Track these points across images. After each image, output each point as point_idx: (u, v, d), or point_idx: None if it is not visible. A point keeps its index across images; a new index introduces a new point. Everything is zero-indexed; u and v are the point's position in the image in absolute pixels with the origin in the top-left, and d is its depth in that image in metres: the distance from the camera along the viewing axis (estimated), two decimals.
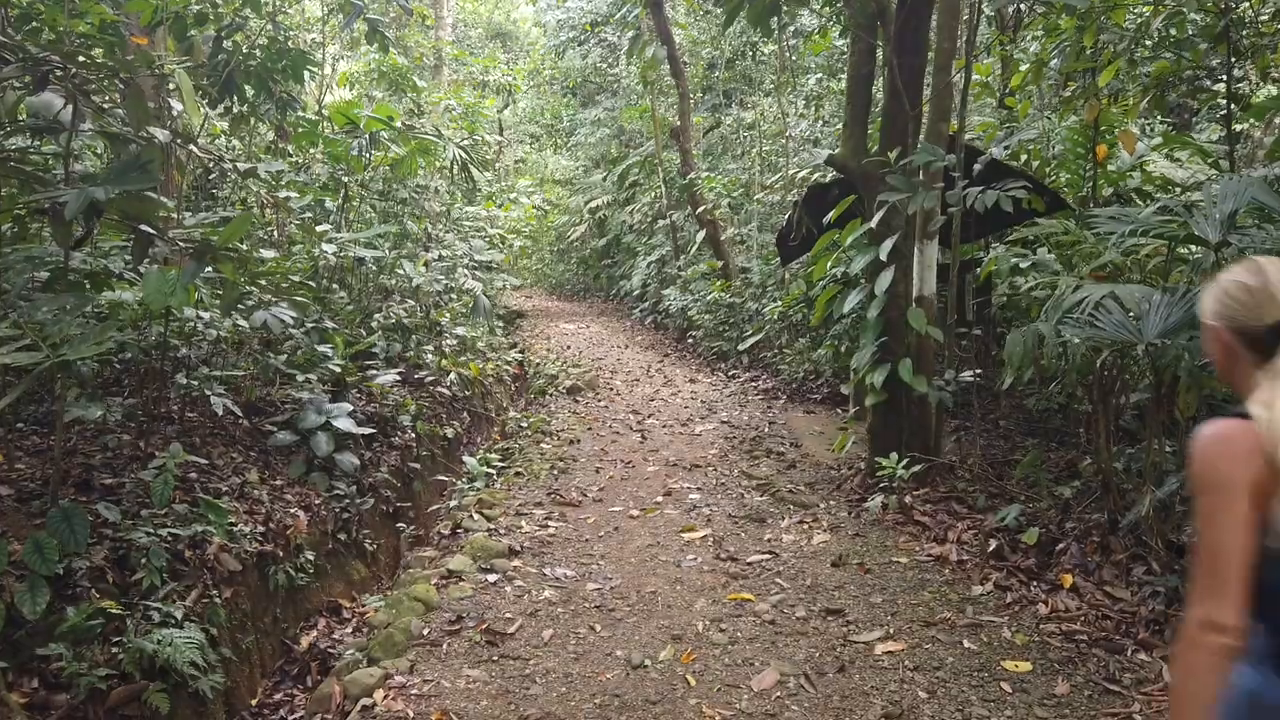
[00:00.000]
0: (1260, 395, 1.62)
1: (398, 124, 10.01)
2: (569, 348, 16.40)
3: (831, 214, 6.60)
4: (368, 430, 7.25)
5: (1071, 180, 8.00)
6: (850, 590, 4.95)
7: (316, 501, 6.56)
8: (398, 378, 8.57)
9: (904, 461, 6.05)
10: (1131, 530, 4.80)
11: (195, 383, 6.10)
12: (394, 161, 11.68)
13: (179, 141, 4.69)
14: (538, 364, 15.29)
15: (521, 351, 17.29)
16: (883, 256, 5.91)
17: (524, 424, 9.55)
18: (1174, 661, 1.71)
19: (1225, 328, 1.71)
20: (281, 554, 5.71)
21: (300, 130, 10.17)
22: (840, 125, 14.95)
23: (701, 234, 15.84)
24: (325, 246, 8.96)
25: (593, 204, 22.89)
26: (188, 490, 5.49)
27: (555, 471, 7.59)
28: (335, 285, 10.57)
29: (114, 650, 3.95)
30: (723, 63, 17.11)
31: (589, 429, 9.45)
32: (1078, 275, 4.76)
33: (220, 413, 5.98)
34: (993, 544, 5.16)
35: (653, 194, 19.39)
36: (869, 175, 6.45)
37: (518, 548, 5.56)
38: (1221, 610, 1.53)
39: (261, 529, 5.68)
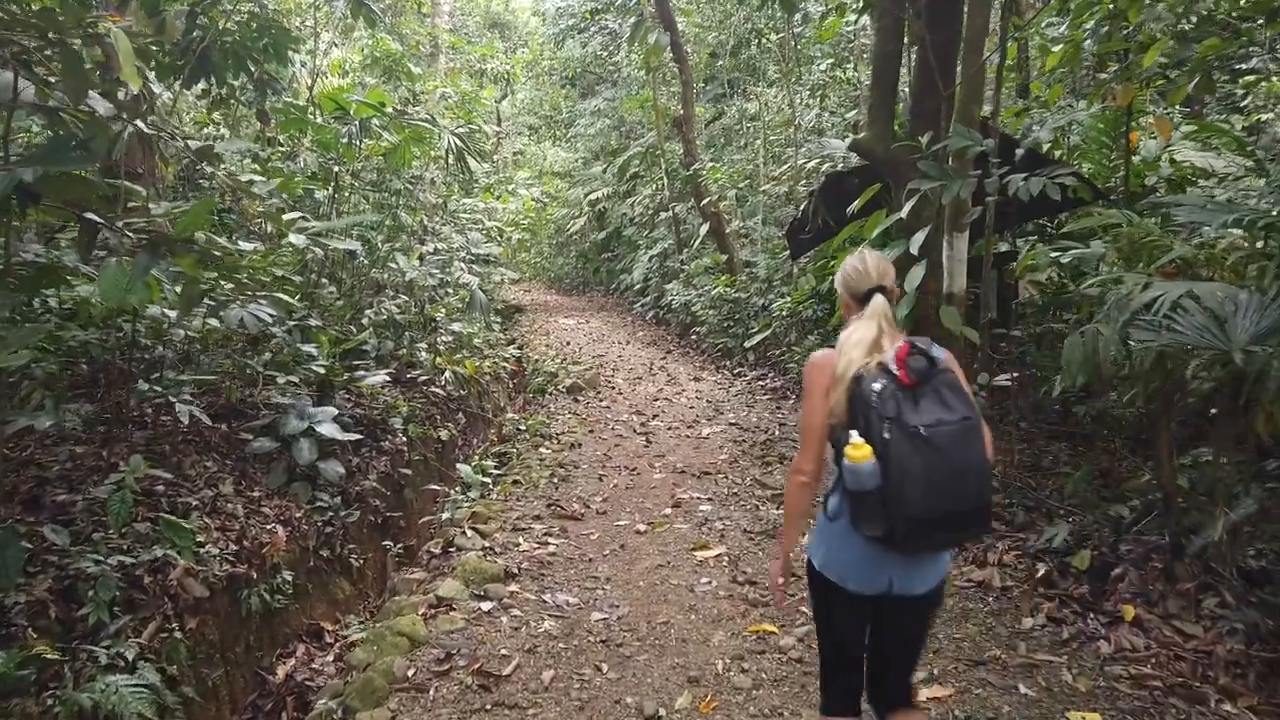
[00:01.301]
0: (844, 331, 2.55)
1: (390, 110, 9.43)
2: (569, 344, 15.86)
3: (855, 204, 6.05)
4: (355, 436, 6.70)
5: (1096, 170, 7.45)
6: None
7: (298, 514, 6.02)
8: (388, 378, 8.01)
9: None
10: (1199, 556, 4.28)
11: (160, 388, 5.55)
12: (387, 151, 11.15)
13: (124, 116, 4.12)
14: (536, 361, 14.75)
15: (520, 348, 16.74)
16: (913, 250, 5.37)
17: (522, 426, 9.00)
18: (786, 492, 2.67)
19: (845, 292, 2.67)
20: (256, 575, 5.17)
21: (289, 117, 9.60)
22: (851, 113, 14.46)
23: (705, 227, 15.28)
24: (294, 237, 8.37)
25: (592, 196, 22.32)
26: (153, 506, 4.95)
27: (555, 479, 7.06)
28: (324, 280, 10.03)
29: (49, 703, 3.41)
30: (727, 50, 16.52)
31: (591, 432, 8.91)
32: (1144, 271, 4.21)
33: (186, 421, 5.43)
34: (1041, 568, 4.63)
35: (654, 186, 18.82)
36: (897, 162, 5.90)
37: (515, 569, 5.02)
38: (804, 461, 2.53)
39: (234, 548, 5.14)
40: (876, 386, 2.30)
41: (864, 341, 2.43)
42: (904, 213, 5.40)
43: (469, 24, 28.85)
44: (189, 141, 6.01)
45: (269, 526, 5.65)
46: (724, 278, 13.88)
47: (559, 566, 5.18)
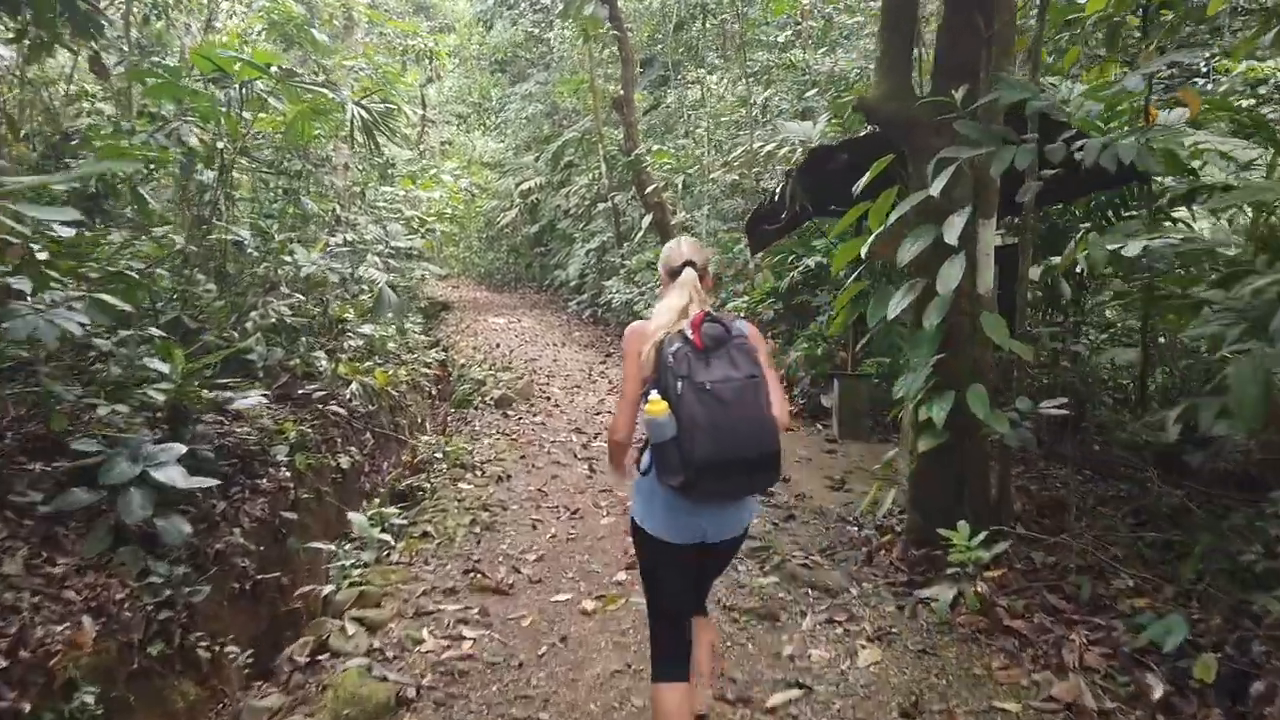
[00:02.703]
0: (659, 302, 2.75)
1: (277, 71, 7.73)
2: (498, 346, 14.25)
3: (864, 179, 4.64)
4: (212, 480, 5.04)
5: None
6: None
7: (120, 595, 4.36)
8: (264, 398, 6.36)
9: (980, 537, 4.12)
10: None
11: None
12: (283, 126, 9.42)
13: None
14: (463, 366, 13.12)
15: (445, 350, 15.06)
16: (950, 239, 3.98)
17: (440, 452, 7.41)
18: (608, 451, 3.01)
19: (663, 269, 2.86)
20: (34, 703, 3.54)
21: (159, 82, 7.83)
22: (810, 92, 13.17)
23: (648, 219, 13.82)
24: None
25: (524, 186, 20.64)
26: None
27: (477, 529, 5.51)
28: (203, 276, 8.29)
29: None
30: (671, 27, 15.07)
31: (522, 457, 7.37)
32: None
33: None
34: (1153, 683, 3.28)
35: (591, 175, 17.28)
36: (915, 125, 4.51)
37: (412, 692, 3.47)
38: (618, 421, 2.71)
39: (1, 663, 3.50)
40: (673, 348, 2.48)
41: (673, 309, 2.61)
42: (935, 189, 4.01)
43: (389, 4, 26.81)
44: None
45: (71, 620, 4.01)
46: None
47: (476, 680, 3.64)
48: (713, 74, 16.37)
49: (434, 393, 13.23)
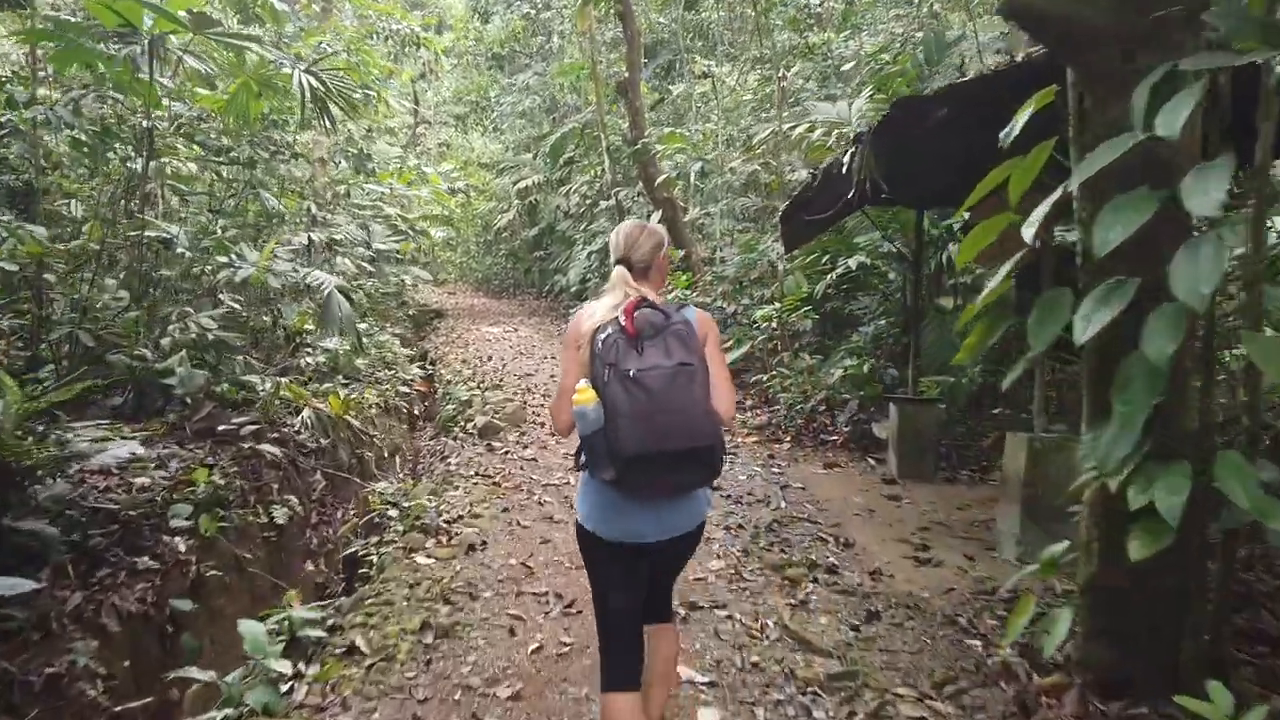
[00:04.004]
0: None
1: (191, 14, 6.04)
2: (490, 358, 12.55)
3: (1018, 119, 2.96)
4: (19, 586, 3.34)
5: None
6: None
7: None
8: (136, 450, 4.68)
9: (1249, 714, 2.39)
10: None
11: None
12: (224, 103, 7.74)
13: None
14: (449, 380, 11.42)
15: (432, 363, 13.37)
16: (1204, 208, 2.30)
17: (396, 506, 5.68)
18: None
19: (613, 257, 2.57)
20: None
21: (66, 48, 6.18)
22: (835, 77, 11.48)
23: (656, 216, 12.08)
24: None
25: (521, 185, 18.94)
26: None
27: (429, 638, 3.80)
28: (111, 281, 6.62)
29: None
30: (679, 11, 13.37)
31: (504, 509, 5.66)
32: None
33: None
34: None
35: (593, 171, 15.59)
36: (1105, 34, 2.81)
37: None
38: (555, 418, 2.47)
39: None
40: (603, 336, 2.32)
41: (607, 303, 2.42)
42: (1166, 127, 2.33)
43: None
44: None
45: None
46: (682, 278, 10.70)
47: None
48: (723, 65, 14.75)
49: (418, 413, 11.54)
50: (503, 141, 24.11)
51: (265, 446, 5.84)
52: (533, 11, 16.28)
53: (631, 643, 2.53)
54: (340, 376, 8.54)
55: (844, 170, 4.88)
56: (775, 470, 6.89)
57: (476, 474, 6.50)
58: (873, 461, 7.18)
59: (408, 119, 22.80)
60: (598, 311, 2.42)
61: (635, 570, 2.49)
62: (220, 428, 5.77)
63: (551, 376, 11.18)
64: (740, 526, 5.37)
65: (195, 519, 4.79)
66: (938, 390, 7.35)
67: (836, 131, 8.74)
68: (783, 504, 5.93)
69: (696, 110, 14.48)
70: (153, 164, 7.31)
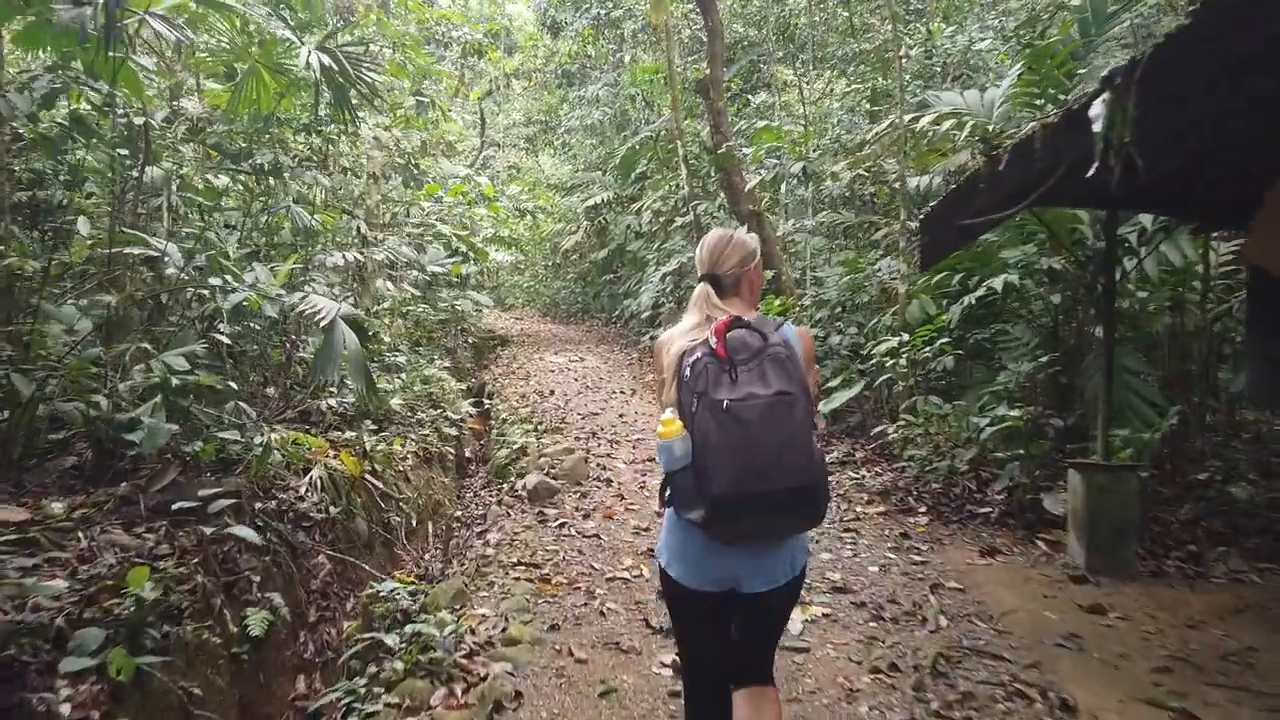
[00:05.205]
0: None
1: None
2: (552, 393, 10.98)
3: None
4: None
5: None
6: None
7: None
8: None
9: None
10: None
11: None
12: (229, 95, 6.39)
13: None
14: (505, 419, 9.89)
15: (489, 397, 11.88)
16: None
17: (400, 620, 4.02)
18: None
19: (699, 273, 2.35)
20: None
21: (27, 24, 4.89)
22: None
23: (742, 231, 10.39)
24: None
25: (591, 203, 17.44)
26: None
27: None
28: (74, 306, 5.21)
29: None
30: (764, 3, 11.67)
31: (551, 631, 3.98)
32: None
33: None
34: None
35: (668, 186, 13.98)
36: None
37: None
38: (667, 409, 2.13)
39: None
40: (691, 360, 2.07)
41: (689, 325, 2.22)
42: None
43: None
44: None
45: None
46: (775, 302, 8.95)
47: None
48: (810, 71, 13.03)
49: (470, 455, 10.03)
50: (572, 162, 22.78)
51: (240, 530, 4.29)
52: (603, 12, 14.78)
53: (713, 700, 2.25)
54: (369, 422, 7.03)
55: (1063, 138, 3.11)
56: (916, 558, 5.08)
57: (520, 561, 4.84)
58: (1045, 547, 5.31)
59: (474, 140, 21.65)
60: (682, 331, 2.21)
61: (722, 621, 2.23)
62: (177, 506, 4.25)
63: (620, 416, 9.55)
64: (894, 668, 3.59)
65: (100, 655, 3.25)
66: (1126, 450, 5.46)
67: (971, 124, 6.94)
68: (943, 621, 4.12)
69: (780, 121, 12.79)
70: (156, 170, 5.97)
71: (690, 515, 2.05)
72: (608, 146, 18.55)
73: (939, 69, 11.37)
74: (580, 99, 17.69)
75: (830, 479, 6.63)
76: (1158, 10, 8.76)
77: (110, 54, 4.93)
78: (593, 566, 4.84)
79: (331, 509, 5.43)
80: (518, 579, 4.54)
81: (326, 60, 5.63)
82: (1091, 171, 2.71)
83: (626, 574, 4.72)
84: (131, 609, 3.52)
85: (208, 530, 4.22)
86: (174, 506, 4.24)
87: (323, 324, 4.63)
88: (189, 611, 3.89)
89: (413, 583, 4.68)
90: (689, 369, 2.06)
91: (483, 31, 15.37)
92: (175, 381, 4.50)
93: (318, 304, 4.73)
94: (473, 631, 3.76)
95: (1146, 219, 6.12)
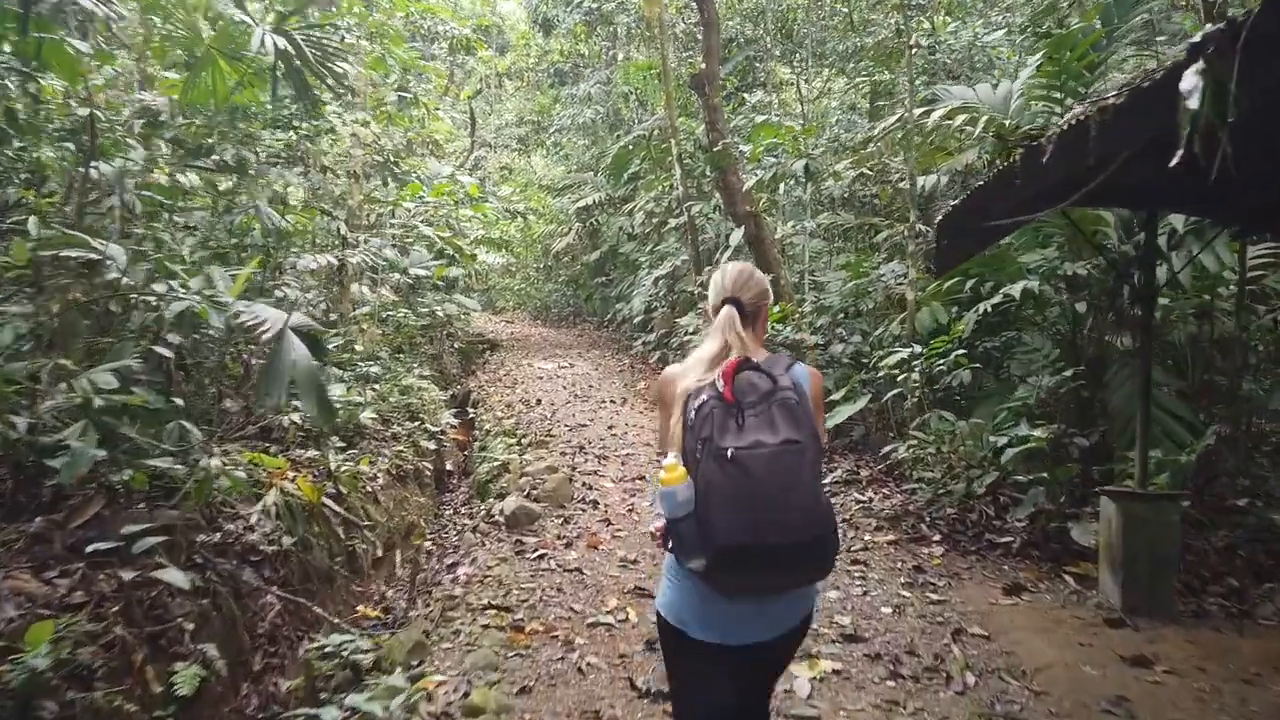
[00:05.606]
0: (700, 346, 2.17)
1: None
2: (539, 402, 10.43)
3: None
4: None
5: None
6: None
7: None
8: None
9: None
10: None
11: None
12: (183, 83, 5.84)
13: None
14: (489, 430, 9.35)
15: (475, 405, 11.33)
16: None
17: (348, 699, 3.44)
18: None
19: (710, 305, 2.22)
20: None
21: None
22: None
23: (738, 234, 9.85)
24: None
25: (582, 203, 16.89)
26: None
27: None
28: None
29: None
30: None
31: (520, 695, 3.43)
32: None
33: None
34: None
35: (661, 186, 13.44)
36: None
37: None
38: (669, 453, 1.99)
39: None
40: (697, 403, 1.95)
41: (704, 358, 2.07)
42: None
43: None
44: None
45: None
46: (774, 309, 8.39)
47: None
48: (807, 70, 12.52)
49: (451, 468, 9.47)
50: (565, 163, 22.22)
51: (169, 574, 3.74)
52: (594, 6, 14.20)
53: None
54: (337, 438, 6.48)
55: (1127, 123, 2.58)
56: (933, 596, 4.55)
57: (491, 603, 4.29)
58: (1073, 581, 4.78)
59: (464, 140, 21.08)
60: (692, 366, 2.07)
61: (721, 670, 2.05)
62: (93, 547, 3.69)
63: (610, 427, 9.01)
64: None
65: None
66: (1162, 475, 4.93)
67: (985, 118, 6.41)
68: (969, 679, 3.59)
69: (779, 118, 12.25)
70: (106, 167, 5.43)
71: (692, 564, 1.92)
72: (600, 146, 18.01)
73: (943, 66, 10.87)
74: (572, 97, 17.11)
75: (834, 500, 6.12)
76: (1167, 8, 8.27)
77: (29, 33, 4.41)
78: (573, 609, 4.29)
79: (286, 540, 4.87)
80: (487, 626, 3.99)
81: (283, 43, 5.08)
82: (1175, 160, 2.18)
83: (610, 618, 4.17)
84: (23, 678, 2.97)
85: (126, 575, 3.67)
86: (89, 548, 3.68)
87: (265, 337, 4.07)
88: (102, 672, 3.35)
89: (369, 628, 4.13)
90: (694, 412, 1.94)
91: (471, 27, 14.77)
92: (99, 402, 3.94)
93: (261, 314, 4.18)
94: (429, 699, 3.21)
95: (1178, 220, 5.62)
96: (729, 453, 1.84)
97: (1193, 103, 2.10)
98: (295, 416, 6.27)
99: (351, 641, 3.70)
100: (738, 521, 1.83)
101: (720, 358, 2.04)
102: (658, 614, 2.13)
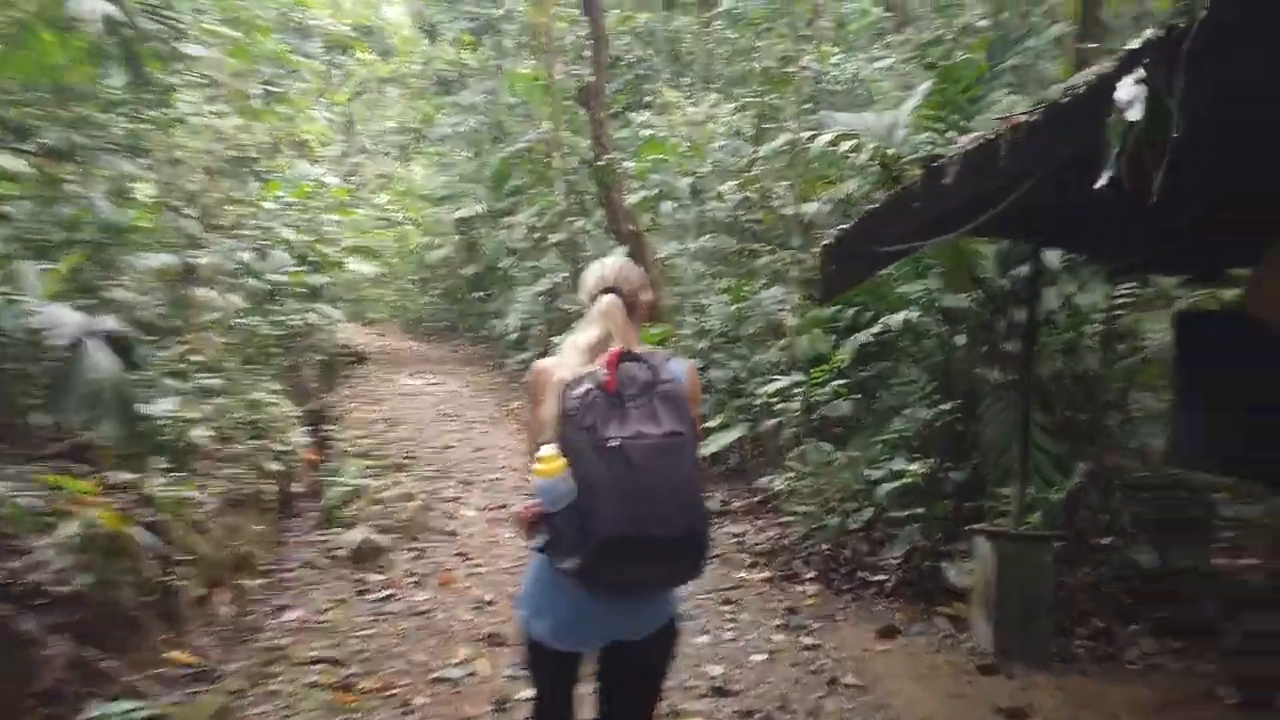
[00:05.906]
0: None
1: None
2: (404, 423, 9.77)
3: None
4: None
5: None
6: None
7: None
8: None
9: None
10: None
11: None
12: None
13: None
14: (345, 451, 8.64)
15: (333, 422, 10.53)
16: None
17: None
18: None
19: (585, 297, 2.16)
20: None
21: None
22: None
23: (620, 253, 9.54)
24: None
25: (461, 214, 16.26)
26: None
27: None
28: None
29: None
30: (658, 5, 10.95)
31: None
32: None
33: None
34: None
35: (543, 201, 13.02)
36: None
37: None
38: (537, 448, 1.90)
39: None
40: (577, 393, 1.87)
41: (581, 346, 2.00)
42: None
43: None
44: None
45: None
46: (653, 331, 8.11)
47: None
48: (695, 93, 12.43)
49: (298, 491, 8.69)
50: (446, 173, 21.50)
51: None
52: (481, 11, 13.70)
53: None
54: (162, 459, 5.72)
55: (1041, 142, 2.38)
56: (807, 641, 4.29)
57: (320, 657, 3.74)
58: (946, 623, 4.63)
59: (341, 145, 20.08)
60: (569, 355, 2.01)
61: (579, 677, 2.07)
62: None
63: (478, 450, 8.49)
64: None
65: None
66: (1034, 514, 4.87)
67: (871, 146, 6.34)
68: None
69: (666, 138, 12.08)
70: None
71: (565, 564, 1.87)
72: (484, 157, 17.44)
73: (827, 95, 10.96)
74: (456, 106, 16.49)
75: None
76: (1035, 56, 8.55)
77: None
78: (414, 660, 3.79)
79: (81, 580, 4.15)
80: (312, 684, 3.45)
81: (114, 10, 4.41)
82: (1103, 181, 1.96)
83: (458, 671, 3.70)
84: None
85: None
86: None
87: (55, 344, 3.42)
88: None
89: (183, 677, 3.51)
90: (575, 401, 1.88)
91: (350, 25, 14.00)
92: None
93: (56, 318, 3.52)
94: None
95: (1054, 256, 5.64)
96: (613, 443, 1.81)
97: (1133, 114, 1.88)
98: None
99: (136, 710, 3.08)
100: (621, 512, 1.80)
101: (599, 347, 1.98)
102: (521, 623, 2.07)
